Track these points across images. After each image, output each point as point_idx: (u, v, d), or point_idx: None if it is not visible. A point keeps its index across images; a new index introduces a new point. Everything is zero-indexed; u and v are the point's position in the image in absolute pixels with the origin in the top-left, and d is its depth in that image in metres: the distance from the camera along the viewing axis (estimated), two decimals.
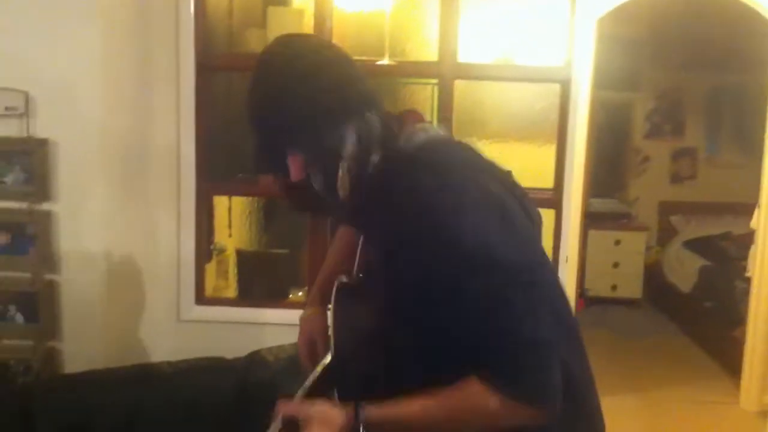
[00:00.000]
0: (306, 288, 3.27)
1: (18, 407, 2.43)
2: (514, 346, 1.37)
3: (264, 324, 3.07)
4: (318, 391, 1.63)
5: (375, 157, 1.47)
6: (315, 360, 1.85)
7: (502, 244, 1.38)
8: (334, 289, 1.71)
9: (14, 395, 2.50)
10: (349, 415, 1.41)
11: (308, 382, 1.65)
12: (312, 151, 1.47)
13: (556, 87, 3.17)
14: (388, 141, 1.50)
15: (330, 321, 1.73)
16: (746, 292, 4.68)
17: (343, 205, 1.52)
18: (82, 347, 2.69)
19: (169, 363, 2.64)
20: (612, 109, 6.93)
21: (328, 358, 1.73)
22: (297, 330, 2.89)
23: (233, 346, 2.77)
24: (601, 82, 5.79)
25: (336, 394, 1.62)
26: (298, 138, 1.46)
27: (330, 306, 1.72)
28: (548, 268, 1.53)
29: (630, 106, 7.11)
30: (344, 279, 1.73)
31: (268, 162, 1.54)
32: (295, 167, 1.50)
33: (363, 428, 1.40)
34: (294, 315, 3.08)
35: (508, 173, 1.60)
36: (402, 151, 1.50)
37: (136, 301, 2.89)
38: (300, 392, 1.60)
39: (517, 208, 1.48)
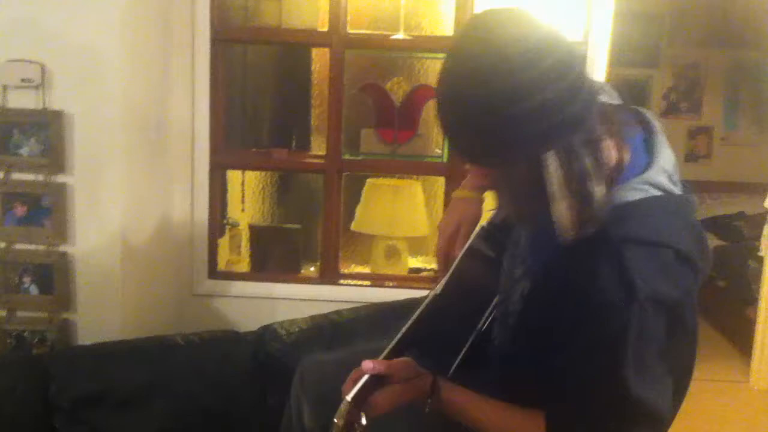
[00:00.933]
0: (318, 263, 3.27)
1: (34, 378, 2.46)
2: None
3: (276, 298, 3.08)
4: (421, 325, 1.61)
5: (598, 192, 1.26)
6: (449, 248, 1.79)
7: (654, 396, 1.33)
8: (480, 228, 1.69)
9: (30, 366, 2.52)
10: (427, 385, 1.44)
11: (414, 317, 1.62)
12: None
13: None
14: (604, 168, 1.29)
15: (458, 257, 1.70)
16: (759, 272, 4.67)
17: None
18: (96, 319, 2.70)
19: (182, 335, 2.66)
20: (629, 86, 6.88)
21: (439, 289, 1.69)
22: (309, 305, 2.93)
23: (246, 320, 2.80)
24: (618, 59, 5.73)
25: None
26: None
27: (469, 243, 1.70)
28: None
29: (647, 84, 7.05)
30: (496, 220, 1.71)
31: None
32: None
33: (430, 403, 1.44)
34: (306, 290, 3.13)
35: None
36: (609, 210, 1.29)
37: (150, 274, 2.90)
38: (404, 329, 1.59)
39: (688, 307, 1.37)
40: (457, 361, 1.59)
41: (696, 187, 5.56)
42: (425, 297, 1.66)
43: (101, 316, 2.70)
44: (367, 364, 1.41)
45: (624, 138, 1.36)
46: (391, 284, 3.26)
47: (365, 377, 1.40)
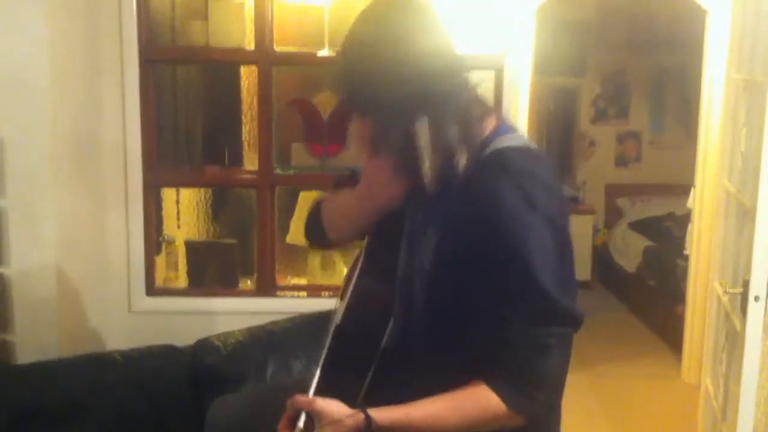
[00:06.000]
0: (255, 276, 3.33)
1: None
2: (525, 363, 1.45)
3: (214, 313, 3.13)
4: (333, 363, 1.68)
5: (461, 157, 1.50)
6: None
7: (556, 284, 1.44)
8: (361, 249, 1.78)
9: None
10: (358, 421, 1.45)
11: (323, 353, 1.68)
12: (382, 123, 1.53)
13: (492, 74, 3.25)
14: (471, 139, 1.52)
15: (349, 287, 1.78)
16: (686, 270, 4.84)
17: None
18: (34, 339, 2.72)
19: (119, 352, 2.70)
20: (560, 94, 7.08)
21: (338, 320, 1.75)
22: (247, 318, 2.98)
23: (184, 336, 2.83)
24: (546, 69, 5.91)
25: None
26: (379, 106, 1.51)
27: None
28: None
29: (577, 91, 7.25)
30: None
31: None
32: (360, 129, 1.60)
33: None
34: (243, 303, 3.18)
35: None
36: (492, 154, 1.52)
37: (87, 294, 2.93)
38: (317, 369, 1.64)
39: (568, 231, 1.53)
40: (366, 382, 1.63)
41: (627, 190, 5.77)
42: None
43: (39, 336, 2.72)
44: (302, 398, 1.49)
45: (494, 113, 1.64)
46: (327, 294, 3.33)
47: (303, 415, 1.45)
